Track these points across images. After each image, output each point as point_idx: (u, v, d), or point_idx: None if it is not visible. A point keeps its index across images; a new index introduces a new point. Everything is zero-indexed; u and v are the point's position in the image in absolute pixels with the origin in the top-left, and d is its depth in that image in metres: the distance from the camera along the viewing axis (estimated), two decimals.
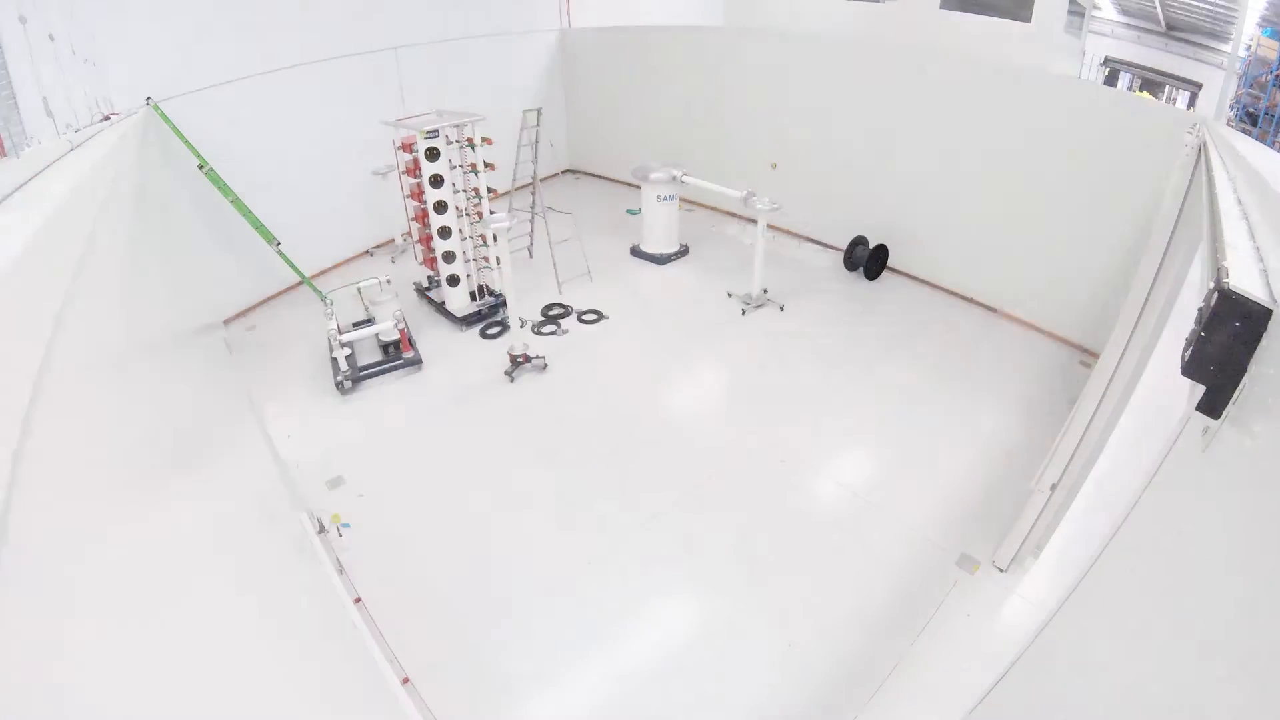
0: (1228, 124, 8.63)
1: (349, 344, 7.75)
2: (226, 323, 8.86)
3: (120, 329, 2.59)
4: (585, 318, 8.98)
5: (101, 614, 1.54)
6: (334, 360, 7.69)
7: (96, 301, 2.28)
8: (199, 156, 7.69)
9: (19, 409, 1.23)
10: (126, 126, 5.08)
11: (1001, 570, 5.23)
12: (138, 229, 3.83)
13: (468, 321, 8.86)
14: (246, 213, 8.16)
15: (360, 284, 8.25)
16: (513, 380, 7.65)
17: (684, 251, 10.60)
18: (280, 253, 8.70)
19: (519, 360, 7.74)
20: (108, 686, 1.44)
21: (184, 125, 7.60)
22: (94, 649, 1.44)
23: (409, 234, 9.00)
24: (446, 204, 8.12)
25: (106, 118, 5.93)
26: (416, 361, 8.05)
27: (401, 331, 8.06)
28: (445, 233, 8.28)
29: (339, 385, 7.55)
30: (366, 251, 10.93)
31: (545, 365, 7.86)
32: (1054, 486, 4.99)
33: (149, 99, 7.27)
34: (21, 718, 1.05)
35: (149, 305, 3.35)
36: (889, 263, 9.76)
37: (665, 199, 10.02)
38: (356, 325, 7.71)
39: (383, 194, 10.31)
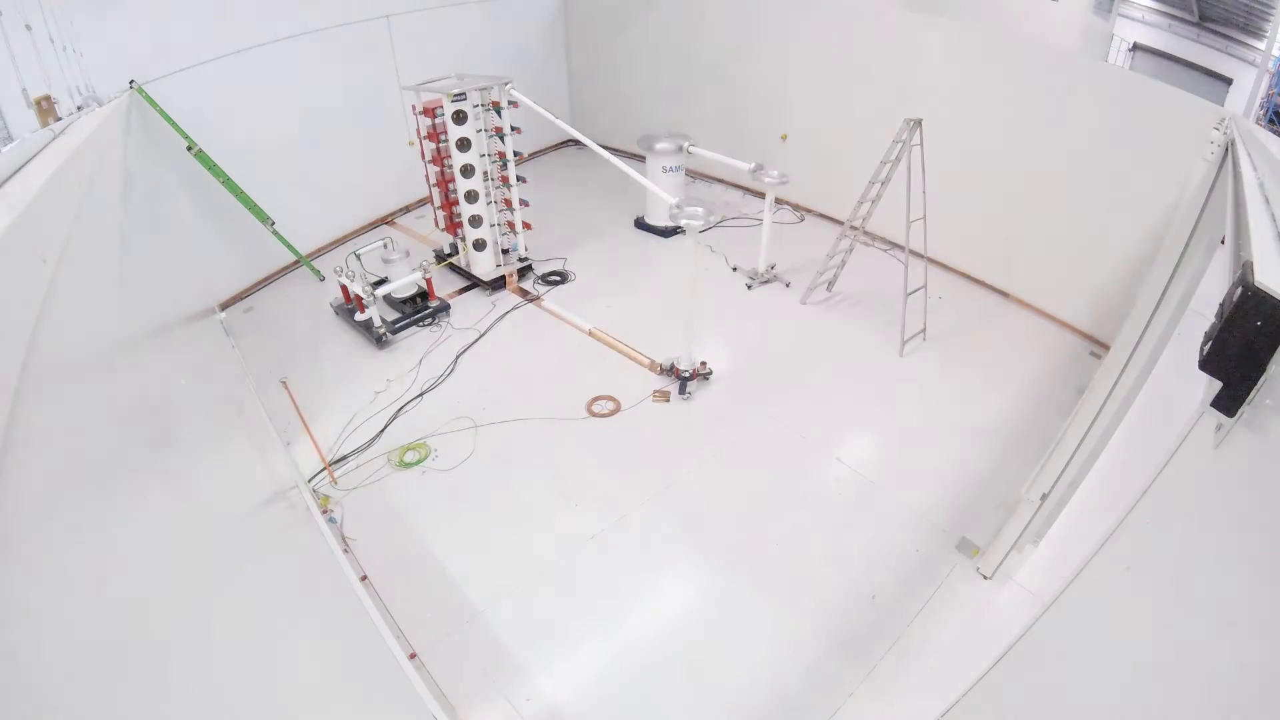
0: (1256, 122, 8.47)
1: (376, 300, 7.78)
2: (223, 306, 8.74)
3: (110, 317, 2.58)
4: (551, 278, 9.15)
5: (104, 603, 1.56)
6: (368, 320, 7.76)
7: (84, 290, 2.27)
8: (187, 138, 7.57)
9: (3, 403, 1.23)
10: (109, 111, 5.04)
11: (987, 578, 5.21)
12: (125, 215, 3.81)
13: (494, 286, 8.93)
14: (238, 193, 8.10)
15: (361, 250, 8.27)
16: (688, 397, 7.09)
17: None
18: (275, 232, 8.68)
19: (688, 376, 7.15)
20: (114, 676, 1.46)
21: (170, 106, 7.41)
22: (97, 639, 1.46)
23: (430, 200, 8.94)
24: (473, 167, 8.11)
25: (79, 108, 5.88)
26: (445, 308, 8.45)
27: (428, 280, 8.37)
28: (472, 196, 8.28)
29: (379, 340, 7.81)
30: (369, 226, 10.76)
31: (710, 374, 7.34)
32: (1044, 497, 4.96)
33: (132, 82, 7.05)
34: (23, 717, 1.06)
35: (140, 292, 3.34)
36: (895, 240, 9.62)
37: (670, 170, 9.88)
38: (376, 285, 7.74)
39: (380, 168, 10.24)
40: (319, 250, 9.90)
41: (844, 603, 5.10)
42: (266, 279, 9.35)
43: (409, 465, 6.31)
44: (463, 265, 9.00)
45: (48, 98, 5.54)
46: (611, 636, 4.92)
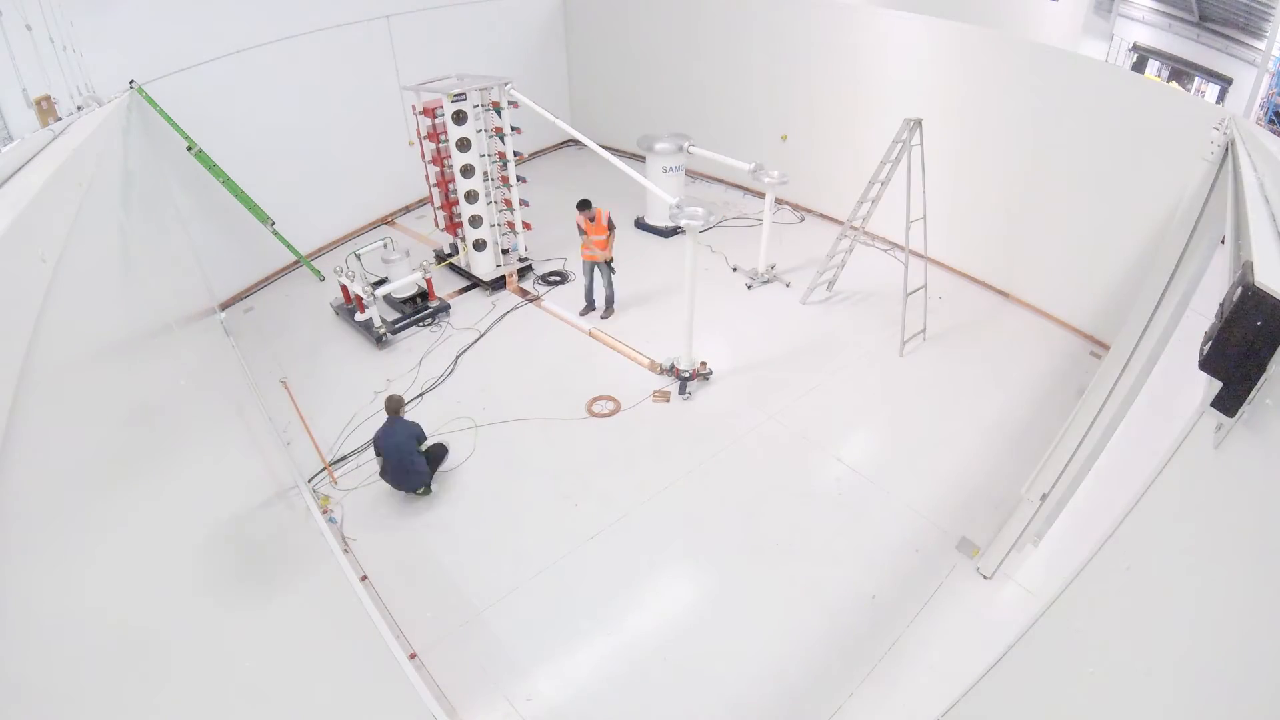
0: (1256, 122, 8.46)
1: (377, 300, 7.76)
2: (223, 306, 8.73)
3: (110, 317, 2.57)
4: (551, 278, 9.18)
5: (103, 603, 1.56)
6: (368, 320, 7.76)
7: (84, 290, 2.26)
8: (187, 138, 7.58)
9: (3, 403, 1.23)
10: (109, 111, 5.04)
11: (987, 578, 5.23)
12: (125, 215, 3.80)
13: (495, 286, 8.95)
14: (239, 193, 8.10)
15: (361, 250, 8.26)
16: (689, 397, 7.10)
17: None
18: (275, 232, 8.67)
19: (688, 376, 7.17)
20: (112, 676, 1.46)
21: (170, 106, 7.41)
22: (96, 639, 1.46)
23: (430, 200, 8.95)
24: (473, 168, 8.11)
25: (79, 108, 5.88)
26: (445, 308, 8.45)
27: (428, 280, 8.39)
28: (472, 196, 8.28)
29: (379, 340, 7.81)
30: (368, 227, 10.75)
31: (710, 374, 7.36)
32: (1044, 497, 4.97)
33: (132, 82, 7.05)
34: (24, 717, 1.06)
35: (140, 292, 3.33)
36: (896, 240, 9.63)
37: (670, 170, 9.87)
38: (376, 285, 7.74)
39: (380, 168, 10.26)
40: (319, 250, 9.89)
41: (844, 602, 5.10)
42: (266, 279, 9.34)
43: None
44: (463, 265, 9.01)
45: (48, 98, 5.54)
46: (611, 636, 4.92)
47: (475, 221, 8.48)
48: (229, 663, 2.17)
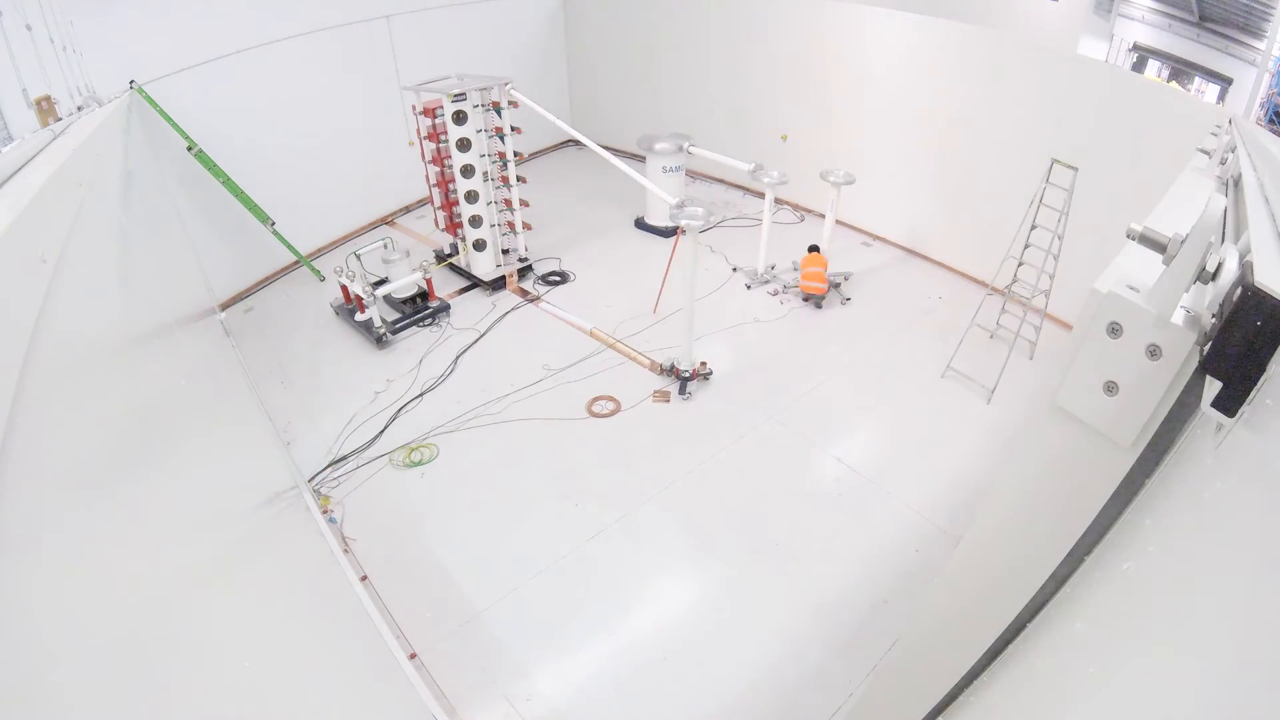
0: (1256, 122, 8.46)
1: (377, 300, 7.73)
2: (223, 306, 8.71)
3: (110, 317, 2.57)
4: (551, 278, 9.15)
5: (103, 604, 1.56)
6: (368, 320, 7.74)
7: (84, 290, 2.26)
8: (187, 138, 7.58)
9: (3, 403, 1.23)
10: (109, 111, 5.05)
11: None
12: (125, 215, 3.81)
13: (495, 286, 8.96)
14: (239, 193, 8.10)
15: (361, 250, 8.26)
16: (688, 398, 7.08)
17: None
18: (275, 232, 8.68)
19: (688, 376, 7.14)
20: (112, 676, 1.46)
21: (170, 106, 7.41)
22: (96, 640, 1.46)
23: (430, 200, 8.94)
24: (474, 168, 8.11)
25: (79, 108, 5.89)
26: (445, 308, 8.46)
27: (428, 280, 8.40)
28: (472, 196, 8.29)
29: (379, 340, 7.80)
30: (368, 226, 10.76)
31: (710, 374, 7.32)
32: None
33: (132, 82, 7.06)
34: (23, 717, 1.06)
35: (140, 292, 3.33)
36: (896, 241, 9.70)
37: (670, 170, 9.88)
38: (376, 285, 7.73)
39: (380, 168, 10.25)
40: (319, 250, 9.89)
41: (844, 602, 5.11)
42: (266, 279, 9.34)
43: (409, 465, 6.31)
44: (463, 265, 9.01)
45: (48, 98, 5.55)
46: (612, 636, 4.93)
47: (475, 222, 8.49)
48: (228, 663, 2.17)
